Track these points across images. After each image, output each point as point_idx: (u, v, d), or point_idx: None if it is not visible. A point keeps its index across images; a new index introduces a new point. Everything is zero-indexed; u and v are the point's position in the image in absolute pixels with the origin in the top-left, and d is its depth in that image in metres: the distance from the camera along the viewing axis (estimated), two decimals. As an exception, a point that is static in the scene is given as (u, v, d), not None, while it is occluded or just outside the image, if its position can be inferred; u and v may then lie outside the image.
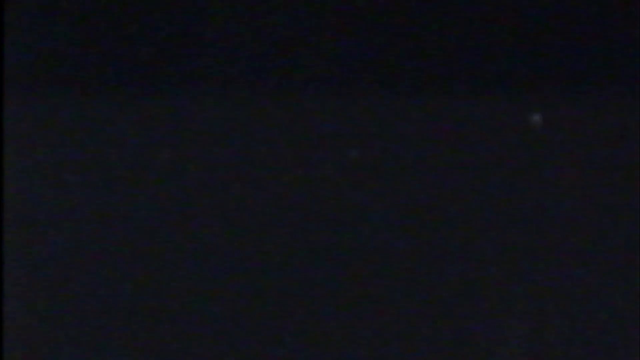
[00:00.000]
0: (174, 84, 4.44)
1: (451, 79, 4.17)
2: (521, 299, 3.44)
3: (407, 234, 4.14)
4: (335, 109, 4.35)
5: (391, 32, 4.15)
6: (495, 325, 3.37)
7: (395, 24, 4.17)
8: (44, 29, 4.57)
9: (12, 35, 4.62)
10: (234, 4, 4.45)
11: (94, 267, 4.31)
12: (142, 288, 4.41)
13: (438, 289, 3.61)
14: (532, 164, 4.17)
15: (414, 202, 4.45)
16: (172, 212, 4.50)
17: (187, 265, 4.63)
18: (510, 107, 4.27)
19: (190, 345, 4.27)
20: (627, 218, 4.01)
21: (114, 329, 4.04)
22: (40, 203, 4.47)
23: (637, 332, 3.63)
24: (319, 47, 4.30)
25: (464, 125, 4.21)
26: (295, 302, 3.94)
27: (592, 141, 4.26)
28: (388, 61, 4.22)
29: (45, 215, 4.42)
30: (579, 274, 3.67)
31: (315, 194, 4.32)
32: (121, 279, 4.30)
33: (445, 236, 3.99)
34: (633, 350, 3.62)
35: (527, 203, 3.98)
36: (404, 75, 4.21)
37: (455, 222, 4.02)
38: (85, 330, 3.97)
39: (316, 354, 3.74)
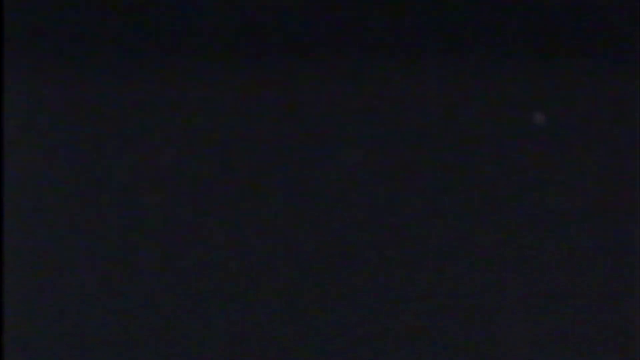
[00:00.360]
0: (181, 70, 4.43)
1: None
2: (520, 299, 3.44)
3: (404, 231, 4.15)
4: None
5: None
6: (494, 325, 3.37)
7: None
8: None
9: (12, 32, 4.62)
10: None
11: (95, 267, 4.32)
12: (144, 289, 4.43)
13: (436, 290, 3.62)
14: (534, 163, 4.17)
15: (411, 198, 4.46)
16: (177, 213, 4.51)
17: (191, 266, 4.64)
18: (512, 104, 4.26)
19: (192, 346, 4.29)
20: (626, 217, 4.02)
21: (115, 330, 4.05)
22: (41, 202, 4.49)
23: (637, 332, 3.64)
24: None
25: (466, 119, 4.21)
26: (295, 304, 3.95)
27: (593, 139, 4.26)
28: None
29: (46, 215, 4.43)
30: (579, 274, 3.68)
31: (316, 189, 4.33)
32: (123, 279, 4.31)
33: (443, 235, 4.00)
34: (633, 350, 3.63)
35: (527, 202, 3.99)
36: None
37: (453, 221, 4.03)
38: (86, 331, 3.98)
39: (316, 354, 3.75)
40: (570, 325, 3.44)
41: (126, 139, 4.57)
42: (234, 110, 4.69)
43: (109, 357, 3.96)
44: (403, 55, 4.50)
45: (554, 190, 4.06)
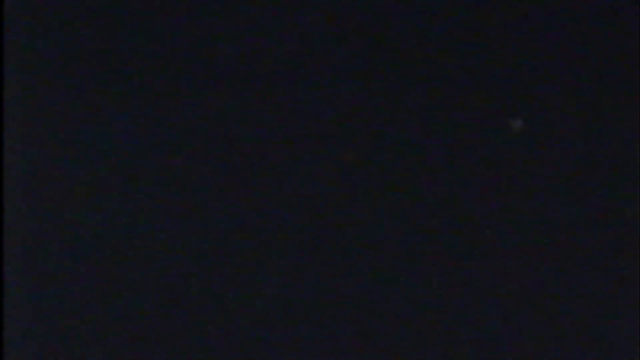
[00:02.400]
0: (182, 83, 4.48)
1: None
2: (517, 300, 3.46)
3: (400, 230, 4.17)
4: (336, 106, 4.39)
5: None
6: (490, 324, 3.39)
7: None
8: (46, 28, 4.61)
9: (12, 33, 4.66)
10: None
11: (96, 268, 4.34)
12: (146, 288, 4.44)
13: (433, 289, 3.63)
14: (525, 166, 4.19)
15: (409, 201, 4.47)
16: (179, 215, 4.53)
17: (192, 264, 4.65)
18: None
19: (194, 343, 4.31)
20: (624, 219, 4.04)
21: (115, 329, 4.07)
22: (42, 203, 4.50)
23: (637, 333, 3.67)
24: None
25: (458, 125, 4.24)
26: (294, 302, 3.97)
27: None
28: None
29: (46, 215, 4.44)
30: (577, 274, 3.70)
31: (315, 194, 4.35)
32: (124, 279, 4.33)
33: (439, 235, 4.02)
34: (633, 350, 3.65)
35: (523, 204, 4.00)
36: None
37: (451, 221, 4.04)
38: (87, 331, 4.00)
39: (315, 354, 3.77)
40: (570, 324, 3.46)
41: (127, 138, 4.59)
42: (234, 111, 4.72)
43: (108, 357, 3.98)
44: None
45: (554, 190, 4.08)
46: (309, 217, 4.25)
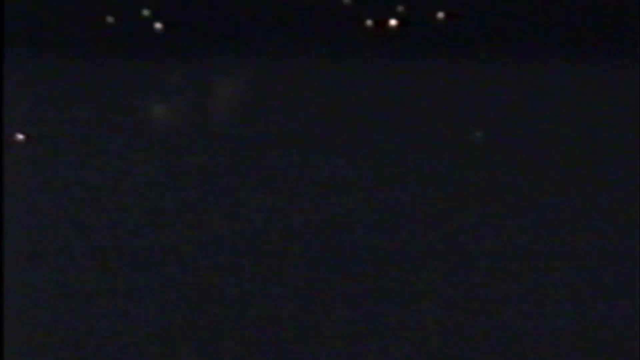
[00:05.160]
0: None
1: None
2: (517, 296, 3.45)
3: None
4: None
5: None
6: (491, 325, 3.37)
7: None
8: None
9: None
10: None
11: (95, 267, 4.32)
12: (145, 287, 4.43)
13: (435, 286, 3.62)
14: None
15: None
16: (176, 210, 4.50)
17: (188, 262, 4.63)
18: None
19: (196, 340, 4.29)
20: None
21: (115, 330, 4.06)
22: (41, 201, 4.49)
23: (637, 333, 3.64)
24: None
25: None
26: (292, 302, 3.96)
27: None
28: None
29: (45, 214, 4.43)
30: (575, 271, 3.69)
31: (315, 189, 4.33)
32: (123, 278, 4.32)
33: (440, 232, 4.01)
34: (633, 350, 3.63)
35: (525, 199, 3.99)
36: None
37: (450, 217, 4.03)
38: (85, 331, 3.98)
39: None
40: (570, 324, 3.45)
41: (125, 138, 4.58)
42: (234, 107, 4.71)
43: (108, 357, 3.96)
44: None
45: (553, 190, 4.06)
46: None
